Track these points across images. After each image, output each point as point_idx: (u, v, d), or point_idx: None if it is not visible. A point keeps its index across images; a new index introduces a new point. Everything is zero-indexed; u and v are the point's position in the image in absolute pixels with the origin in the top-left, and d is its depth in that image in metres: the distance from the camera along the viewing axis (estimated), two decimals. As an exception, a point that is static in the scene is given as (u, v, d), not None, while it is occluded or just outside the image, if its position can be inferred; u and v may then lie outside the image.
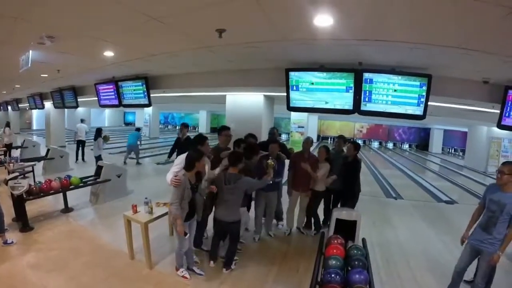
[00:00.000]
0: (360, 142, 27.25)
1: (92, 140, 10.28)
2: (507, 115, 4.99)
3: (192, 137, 5.51)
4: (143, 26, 3.63)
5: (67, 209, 6.13)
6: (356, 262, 3.19)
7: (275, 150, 4.94)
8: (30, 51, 4.98)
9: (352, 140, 5.49)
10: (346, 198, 5.29)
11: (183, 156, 3.93)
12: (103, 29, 3.98)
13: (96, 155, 9.73)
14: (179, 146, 7.22)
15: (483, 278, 3.32)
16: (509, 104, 4.96)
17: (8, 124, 12.33)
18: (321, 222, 5.56)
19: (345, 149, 5.51)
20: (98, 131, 10.08)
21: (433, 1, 2.60)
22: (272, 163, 4.29)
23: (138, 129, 12.97)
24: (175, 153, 7.12)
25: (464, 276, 3.64)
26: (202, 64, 5.95)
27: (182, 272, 3.95)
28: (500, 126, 5.09)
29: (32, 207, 5.72)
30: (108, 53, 5.19)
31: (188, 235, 3.74)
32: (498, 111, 5.09)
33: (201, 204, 3.95)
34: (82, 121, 12.80)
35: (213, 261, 4.26)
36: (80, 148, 12.07)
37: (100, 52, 5.14)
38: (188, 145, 5.83)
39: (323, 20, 3.17)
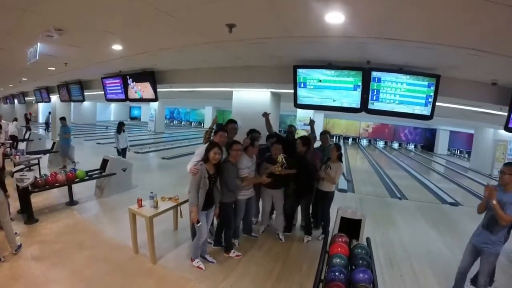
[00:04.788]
0: (365, 141, 27.27)
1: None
2: (515, 117, 4.93)
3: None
4: (152, 19, 3.62)
5: (72, 202, 6.17)
6: (360, 261, 3.16)
7: (277, 151, 4.68)
8: (38, 44, 4.98)
9: (300, 136, 5.37)
10: (303, 194, 5.06)
11: (203, 147, 4.04)
12: (112, 22, 3.97)
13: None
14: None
15: (486, 277, 3.39)
16: (517, 107, 4.90)
17: (15, 119, 12.67)
18: (322, 223, 5.33)
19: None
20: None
21: (446, 1, 2.56)
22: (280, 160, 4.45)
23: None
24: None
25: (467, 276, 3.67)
26: (209, 60, 5.94)
27: (197, 262, 4.06)
28: (507, 128, 5.02)
29: (37, 200, 5.77)
30: (116, 47, 5.18)
31: (200, 223, 3.80)
32: (506, 114, 5.03)
33: (218, 196, 4.04)
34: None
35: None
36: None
37: (108, 46, 5.12)
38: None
39: (334, 17, 3.13)
